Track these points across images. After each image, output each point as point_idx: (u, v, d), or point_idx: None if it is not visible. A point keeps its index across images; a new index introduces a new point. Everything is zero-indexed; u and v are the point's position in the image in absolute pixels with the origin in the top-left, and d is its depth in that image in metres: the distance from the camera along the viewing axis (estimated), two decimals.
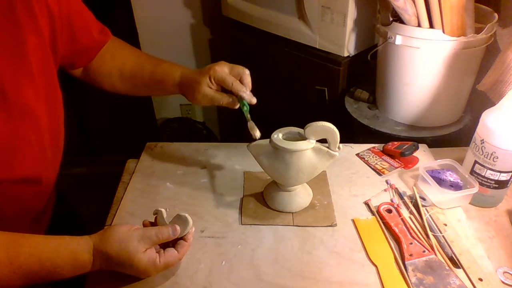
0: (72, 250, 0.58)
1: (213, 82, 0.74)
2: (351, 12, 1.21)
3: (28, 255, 0.55)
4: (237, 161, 0.92)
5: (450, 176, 0.83)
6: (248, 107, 0.75)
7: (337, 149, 0.71)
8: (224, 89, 0.75)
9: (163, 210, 0.67)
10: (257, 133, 0.75)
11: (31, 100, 0.61)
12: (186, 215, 0.65)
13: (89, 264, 0.59)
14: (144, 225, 0.67)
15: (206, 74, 0.74)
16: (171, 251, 0.63)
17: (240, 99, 0.74)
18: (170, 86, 0.79)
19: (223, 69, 0.74)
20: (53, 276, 0.57)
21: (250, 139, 0.75)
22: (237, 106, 0.75)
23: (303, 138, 0.71)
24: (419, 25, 1.06)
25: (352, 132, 1.26)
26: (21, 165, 0.61)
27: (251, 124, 0.75)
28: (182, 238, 0.65)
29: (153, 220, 0.67)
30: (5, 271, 0.53)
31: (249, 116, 0.75)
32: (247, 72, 0.75)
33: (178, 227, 0.64)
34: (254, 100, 0.74)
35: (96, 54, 0.80)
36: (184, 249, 0.64)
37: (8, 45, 0.58)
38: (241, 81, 0.74)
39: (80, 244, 0.59)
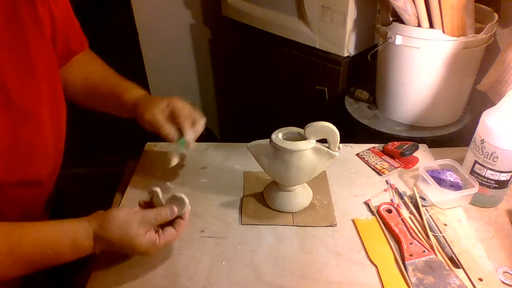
0: (72, 237, 0.59)
1: (167, 107, 0.76)
2: (351, 12, 1.21)
3: (29, 244, 0.56)
4: (237, 161, 0.92)
5: (450, 176, 0.83)
6: (182, 147, 0.76)
7: (337, 149, 0.71)
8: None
9: (158, 189, 0.67)
10: (174, 162, 0.83)
11: (35, 103, 0.61)
12: (182, 195, 0.66)
13: (89, 249, 0.60)
14: (140, 205, 0.68)
15: (165, 99, 0.77)
16: (169, 231, 0.64)
17: (180, 137, 0.76)
18: (128, 101, 0.79)
19: (184, 104, 0.77)
20: (56, 262, 0.59)
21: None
22: (174, 142, 0.76)
23: (303, 138, 0.71)
24: (419, 25, 1.06)
25: (352, 132, 1.26)
26: (24, 168, 0.62)
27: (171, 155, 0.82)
28: (179, 216, 0.66)
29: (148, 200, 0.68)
30: (7, 261, 0.54)
31: (175, 158, 0.83)
32: (202, 122, 0.78)
33: (175, 208, 0.65)
34: (192, 145, 0.76)
35: (65, 64, 0.77)
36: (181, 227, 0.66)
37: (13, 48, 0.58)
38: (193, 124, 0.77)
39: (79, 232, 0.60)
